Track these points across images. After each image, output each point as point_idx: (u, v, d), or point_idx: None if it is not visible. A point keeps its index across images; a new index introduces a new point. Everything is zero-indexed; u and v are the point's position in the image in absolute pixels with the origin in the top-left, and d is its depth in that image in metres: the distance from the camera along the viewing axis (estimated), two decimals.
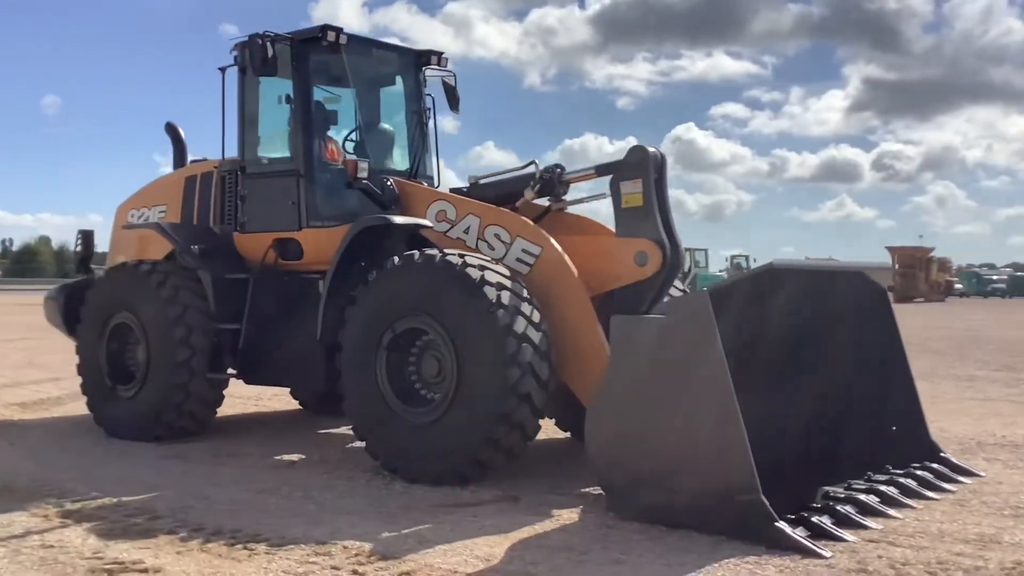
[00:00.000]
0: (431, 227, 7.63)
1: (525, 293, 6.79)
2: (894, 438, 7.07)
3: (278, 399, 11.31)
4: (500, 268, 6.92)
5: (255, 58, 8.00)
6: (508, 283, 6.74)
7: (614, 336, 5.90)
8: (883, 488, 6.17)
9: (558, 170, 7.77)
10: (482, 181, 8.12)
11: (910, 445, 7.01)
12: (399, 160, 9.04)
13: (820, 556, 5.03)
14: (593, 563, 4.99)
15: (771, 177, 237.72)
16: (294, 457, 8.01)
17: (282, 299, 8.35)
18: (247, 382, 8.88)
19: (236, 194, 8.68)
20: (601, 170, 7.54)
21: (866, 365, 7.15)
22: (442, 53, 9.01)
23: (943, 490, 6.52)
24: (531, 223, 7.41)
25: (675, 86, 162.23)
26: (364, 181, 7.85)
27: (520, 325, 6.56)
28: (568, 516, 5.96)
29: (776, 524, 5.23)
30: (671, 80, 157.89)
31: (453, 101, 9.26)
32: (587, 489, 6.66)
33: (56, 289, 10.38)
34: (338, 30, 8.13)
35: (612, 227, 7.43)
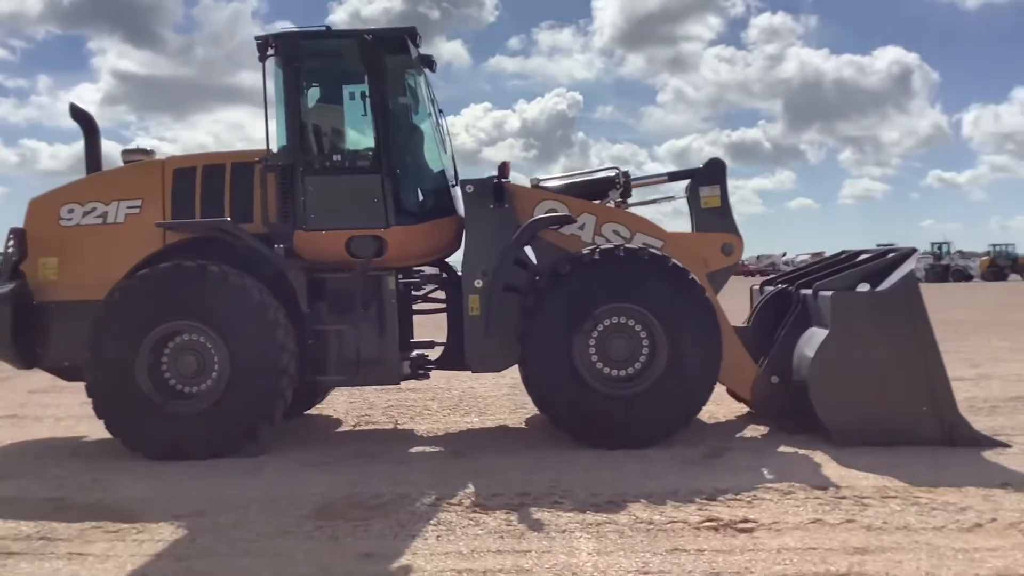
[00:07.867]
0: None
1: None
2: None
3: None
4: None
5: (367, 57, 7.93)
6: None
7: (836, 308, 7.66)
8: None
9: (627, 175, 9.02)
10: (542, 183, 8.89)
11: None
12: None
13: (1007, 445, 7.49)
14: (928, 469, 6.79)
15: (22, 168, 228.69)
16: (429, 449, 8.15)
17: (376, 298, 8.28)
18: (350, 384, 8.48)
19: (294, 190, 8.23)
20: (674, 176, 9.03)
21: None
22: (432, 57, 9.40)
23: None
24: (647, 219, 8.62)
25: None
26: (505, 181, 8.27)
27: (715, 307, 7.91)
28: (806, 453, 7.50)
29: (974, 430, 7.59)
30: None
31: None
32: (744, 435, 8.33)
33: None
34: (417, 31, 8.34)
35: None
